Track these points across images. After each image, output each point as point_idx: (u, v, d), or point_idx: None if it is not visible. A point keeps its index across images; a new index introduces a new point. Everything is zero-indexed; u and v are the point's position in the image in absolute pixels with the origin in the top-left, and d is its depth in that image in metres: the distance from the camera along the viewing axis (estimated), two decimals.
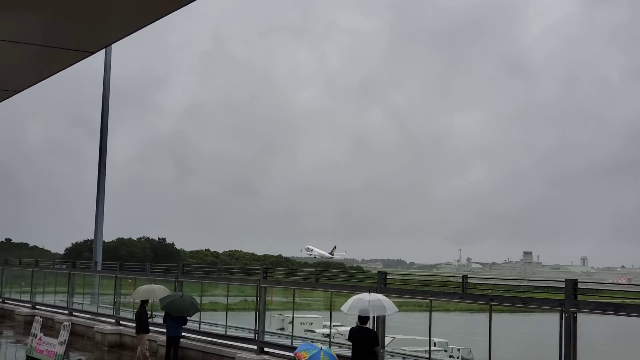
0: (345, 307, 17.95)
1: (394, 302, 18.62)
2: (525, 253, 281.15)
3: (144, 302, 25.56)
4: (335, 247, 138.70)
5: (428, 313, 20.47)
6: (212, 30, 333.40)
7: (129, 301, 32.24)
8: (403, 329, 37.48)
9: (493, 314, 18.46)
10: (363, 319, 17.52)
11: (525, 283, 24.71)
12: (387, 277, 21.75)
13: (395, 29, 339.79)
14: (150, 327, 25.90)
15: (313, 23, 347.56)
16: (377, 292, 19.13)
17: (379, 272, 22.51)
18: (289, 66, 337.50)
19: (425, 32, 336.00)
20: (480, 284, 21.69)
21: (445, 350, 45.77)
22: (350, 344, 18.28)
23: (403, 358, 23.01)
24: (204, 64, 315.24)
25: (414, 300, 27.59)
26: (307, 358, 17.34)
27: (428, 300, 20.69)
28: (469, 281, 19.70)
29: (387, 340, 22.44)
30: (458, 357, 46.09)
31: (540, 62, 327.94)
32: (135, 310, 27.02)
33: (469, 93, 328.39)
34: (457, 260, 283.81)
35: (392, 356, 22.70)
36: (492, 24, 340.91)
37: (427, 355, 21.56)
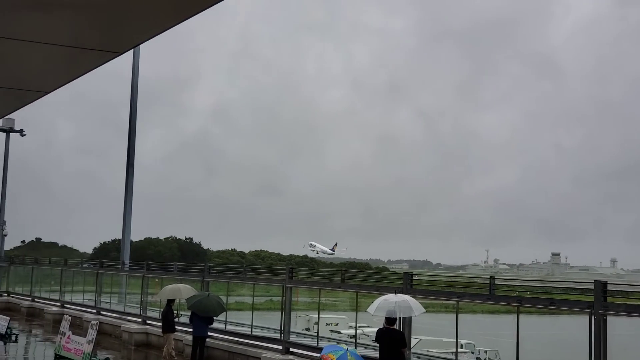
0: (371, 309, 17.88)
1: (420, 303, 18.53)
2: (553, 254, 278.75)
3: (170, 302, 25.67)
4: (336, 243, 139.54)
5: (455, 314, 20.33)
6: (239, 30, 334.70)
7: (156, 301, 32.40)
8: (429, 330, 37.30)
9: (521, 316, 18.30)
10: (390, 320, 17.45)
11: (553, 284, 24.43)
12: (414, 278, 21.65)
13: (422, 28, 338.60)
14: (177, 327, 26.02)
15: (340, 23, 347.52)
16: (403, 293, 19.05)
17: (405, 273, 22.41)
18: (316, 66, 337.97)
19: (453, 31, 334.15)
20: (508, 286, 21.51)
21: (472, 352, 45.53)
22: (377, 344, 18.21)
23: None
24: (231, 65, 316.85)
25: (441, 301, 27.39)
26: None
27: (455, 302, 20.54)
28: (496, 282, 19.54)
29: (413, 341, 22.36)
30: (485, 359, 45.83)
31: (569, 61, 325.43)
32: (162, 310, 27.17)
33: (497, 92, 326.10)
34: (484, 262, 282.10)
35: (419, 358, 22.58)
36: (520, 23, 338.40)
37: (453, 357, 21.39)
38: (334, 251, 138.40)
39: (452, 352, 24.18)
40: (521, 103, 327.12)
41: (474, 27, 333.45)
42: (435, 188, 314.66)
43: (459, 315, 20.28)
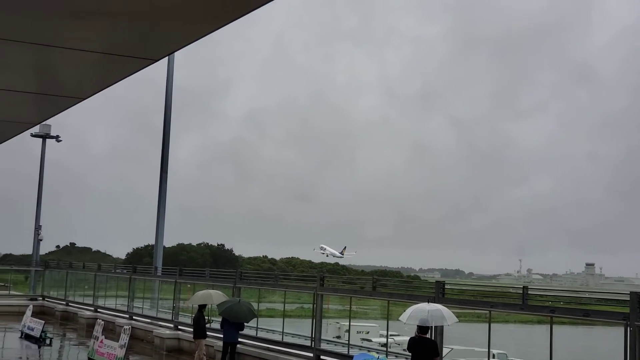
0: (404, 317, 17.80)
1: (452, 312, 18.41)
2: (587, 264, 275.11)
3: (201, 307, 25.77)
4: (345, 247, 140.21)
5: (487, 324, 20.17)
6: (273, 37, 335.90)
7: (188, 306, 32.58)
8: (461, 339, 37.08)
9: (554, 326, 18.11)
10: (423, 329, 17.36)
11: (587, 295, 24.15)
12: (446, 287, 21.52)
13: (456, 35, 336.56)
14: (208, 332, 26.11)
15: (373, 30, 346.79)
16: (435, 302, 18.95)
17: (437, 282, 22.28)
18: (349, 73, 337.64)
19: (487, 38, 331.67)
20: (541, 296, 21.29)
21: None
22: (409, 353, 18.13)
23: None
24: (265, 71, 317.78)
25: (473, 310, 27.19)
26: None
27: (487, 311, 20.38)
28: (529, 292, 19.36)
29: (445, 350, 22.22)
30: None
31: (608, 69, 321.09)
32: (193, 315, 27.29)
33: (532, 100, 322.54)
34: (517, 271, 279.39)
35: None
36: (557, 30, 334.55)
37: None
38: (342, 254, 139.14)
39: None
40: (557, 111, 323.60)
41: (509, 34, 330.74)
42: (468, 196, 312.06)
43: (491, 324, 20.13)
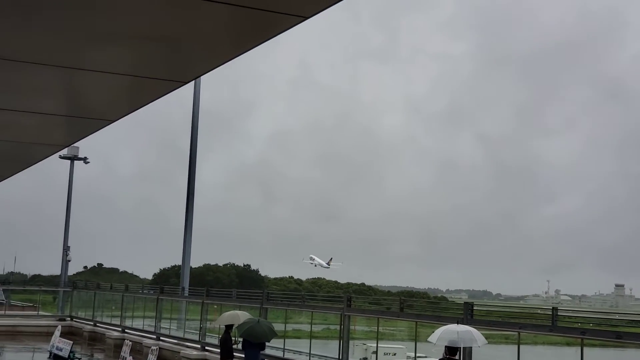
0: (433, 338, 17.64)
1: (481, 333, 18.25)
2: (617, 285, 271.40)
3: (228, 328, 25.73)
4: (331, 258, 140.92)
5: (516, 345, 19.97)
6: (298, 57, 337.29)
7: (215, 327, 32.57)
8: None
9: (585, 349, 17.87)
10: (452, 350, 17.20)
11: (617, 316, 23.82)
12: (474, 308, 21.36)
13: (482, 53, 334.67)
14: (235, 353, 26.07)
15: (398, 48, 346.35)
16: (464, 324, 18.79)
17: (465, 303, 22.16)
18: (375, 92, 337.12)
19: (514, 55, 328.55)
20: (570, 317, 21.06)
21: None
22: None
23: None
24: (290, 91, 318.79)
25: (501, 332, 26.94)
26: None
27: (516, 333, 20.18)
28: (558, 314, 19.16)
29: None
30: None
31: (637, 85, 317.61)
32: (220, 336, 27.28)
33: (560, 117, 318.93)
34: (545, 292, 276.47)
35: None
36: (587, 45, 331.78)
37: None
38: (329, 265, 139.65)
39: None
40: (586, 128, 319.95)
41: (537, 50, 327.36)
42: (495, 215, 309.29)
43: (520, 346, 19.91)
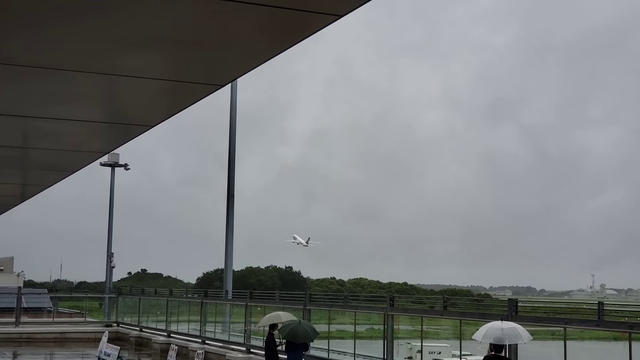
0: (478, 336, 17.47)
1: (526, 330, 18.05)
2: None
3: (272, 329, 25.81)
4: (309, 237, 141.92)
5: (562, 341, 19.71)
6: (335, 55, 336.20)
7: (259, 329, 32.70)
8: (536, 358, 36.20)
9: (632, 343, 17.58)
10: (498, 347, 17.02)
11: None
12: (518, 304, 21.13)
13: (524, 43, 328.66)
14: (280, 355, 26.11)
15: (437, 42, 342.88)
16: (508, 320, 18.60)
17: (509, 300, 21.94)
18: (414, 87, 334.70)
19: (557, 44, 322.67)
20: (617, 311, 20.76)
21: None
22: None
23: None
24: (328, 90, 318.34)
25: (547, 328, 26.63)
26: None
27: (562, 328, 19.92)
28: (605, 308, 18.89)
29: None
30: None
31: None
32: (265, 338, 27.35)
33: (606, 108, 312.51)
34: (590, 287, 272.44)
35: None
36: (631, 31, 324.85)
37: None
38: (307, 244, 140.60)
39: None
40: (631, 117, 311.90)
41: (582, 38, 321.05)
42: (539, 209, 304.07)
43: (567, 342, 19.66)
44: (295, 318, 25.91)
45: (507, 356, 18.52)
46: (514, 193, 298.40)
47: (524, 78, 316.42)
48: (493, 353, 17.08)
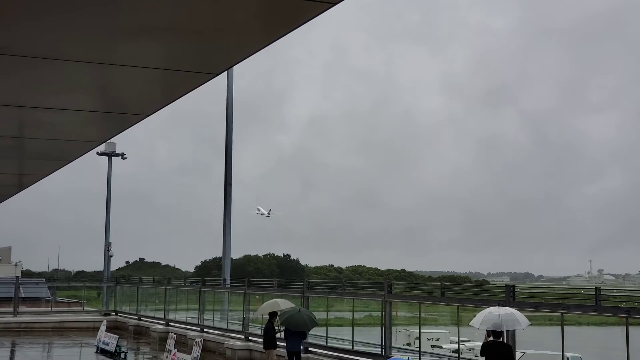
0: (476, 322, 17.51)
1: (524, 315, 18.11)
2: None
3: (271, 317, 25.87)
4: (270, 209, 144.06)
5: (559, 326, 19.79)
6: (332, 40, 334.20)
7: (257, 317, 32.77)
8: (533, 343, 36.36)
9: (630, 327, 17.65)
10: (497, 333, 17.05)
11: None
12: (516, 290, 21.19)
13: (524, 27, 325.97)
14: (278, 342, 26.20)
15: (436, 26, 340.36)
16: (505, 306, 18.65)
17: (507, 286, 21.98)
18: (412, 73, 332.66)
19: (557, 28, 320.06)
20: (614, 296, 20.84)
21: None
22: (482, 358, 17.83)
23: None
24: (325, 76, 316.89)
25: (544, 313, 26.73)
26: None
27: (560, 313, 19.99)
28: (602, 293, 18.94)
29: (517, 355, 21.83)
30: None
31: None
32: (264, 326, 27.42)
33: (607, 93, 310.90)
34: (588, 272, 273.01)
35: None
36: (632, 15, 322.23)
37: None
38: (269, 214, 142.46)
39: None
40: (632, 103, 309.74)
41: (581, 21, 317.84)
42: (538, 194, 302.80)
43: (564, 327, 19.72)
44: (293, 305, 25.98)
45: (506, 342, 18.59)
46: (514, 179, 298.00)
47: (524, 63, 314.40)
48: (491, 339, 17.12)
